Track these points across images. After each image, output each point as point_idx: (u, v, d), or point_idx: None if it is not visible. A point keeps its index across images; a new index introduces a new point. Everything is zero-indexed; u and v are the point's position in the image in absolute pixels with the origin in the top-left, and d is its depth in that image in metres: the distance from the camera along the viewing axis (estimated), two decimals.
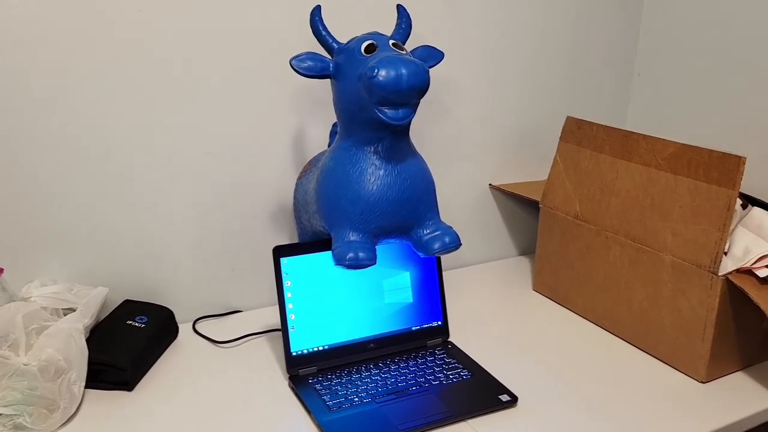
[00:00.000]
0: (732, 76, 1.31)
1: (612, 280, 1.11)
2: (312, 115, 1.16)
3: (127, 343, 0.96)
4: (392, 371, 0.98)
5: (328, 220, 0.93)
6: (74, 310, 0.96)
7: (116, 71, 1.00)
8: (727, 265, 0.95)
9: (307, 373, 0.97)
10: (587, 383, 0.98)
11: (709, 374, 0.99)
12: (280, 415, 0.89)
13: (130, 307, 1.05)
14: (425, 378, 0.97)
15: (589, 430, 0.87)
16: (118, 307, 1.06)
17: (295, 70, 0.87)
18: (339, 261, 0.88)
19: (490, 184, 1.41)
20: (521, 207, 1.46)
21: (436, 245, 0.92)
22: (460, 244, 0.93)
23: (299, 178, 1.10)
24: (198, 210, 1.12)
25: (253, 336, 1.09)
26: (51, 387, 0.84)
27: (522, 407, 0.92)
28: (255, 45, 1.08)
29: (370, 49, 0.85)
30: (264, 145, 1.14)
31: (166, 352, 1.04)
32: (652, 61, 1.47)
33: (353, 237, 0.90)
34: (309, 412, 0.89)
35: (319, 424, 0.86)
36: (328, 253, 0.99)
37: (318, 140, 1.18)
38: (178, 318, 1.08)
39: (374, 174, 0.89)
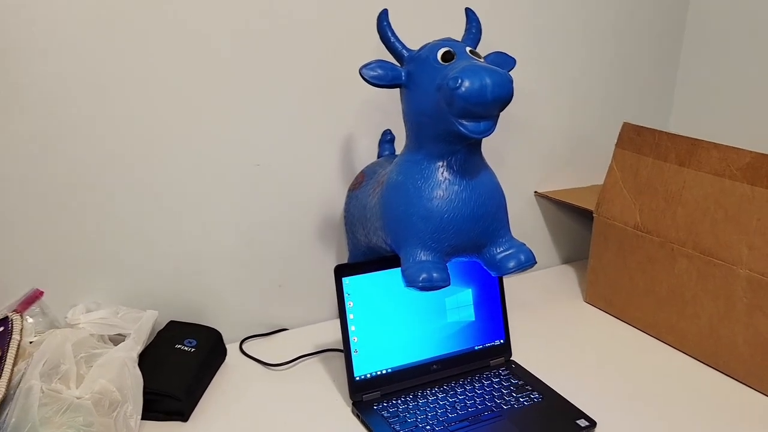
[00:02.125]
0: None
1: (677, 294, 1.06)
2: (359, 124, 1.11)
3: (179, 370, 0.91)
4: (459, 394, 0.93)
5: (395, 238, 0.87)
6: (121, 335, 0.90)
7: (162, 84, 0.94)
8: None
9: (371, 398, 0.92)
10: (661, 403, 0.94)
11: None
12: None
13: (176, 330, 0.99)
14: (494, 402, 0.92)
15: None
16: (163, 329, 1.00)
17: (364, 79, 0.82)
18: (411, 282, 0.83)
19: (535, 192, 1.36)
20: (566, 214, 1.42)
21: (511, 264, 0.87)
22: (536, 262, 0.88)
23: (352, 190, 1.05)
24: (243, 225, 1.06)
25: (306, 357, 1.04)
26: (107, 422, 0.79)
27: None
28: (303, 54, 1.03)
29: (447, 57, 0.80)
30: (310, 156, 1.08)
31: (215, 377, 0.98)
32: (695, 66, 1.43)
33: (424, 256, 0.85)
34: None
35: None
36: (391, 272, 0.94)
37: (366, 150, 1.13)
38: (224, 338, 1.03)
39: (448, 189, 0.83)
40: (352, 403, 0.91)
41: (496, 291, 1.02)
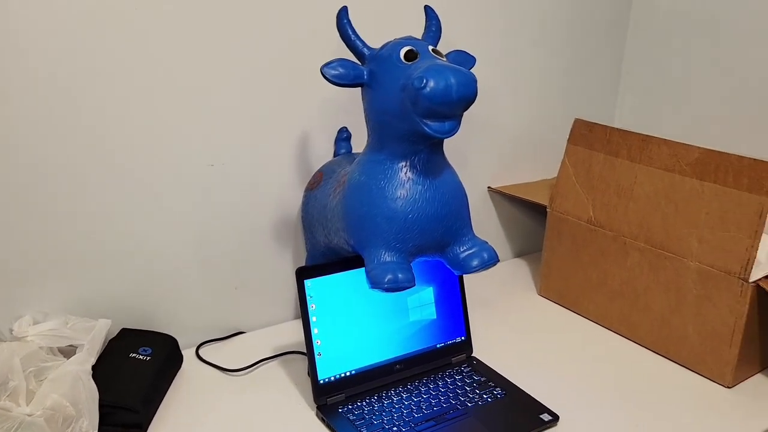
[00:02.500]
0: (716, 75, 1.32)
1: (629, 286, 1.09)
2: (314, 122, 1.09)
3: (135, 380, 0.87)
4: (423, 393, 0.93)
5: (358, 239, 0.86)
6: (73, 346, 0.86)
7: (110, 83, 0.90)
8: (755, 272, 0.94)
9: (336, 401, 0.91)
10: (617, 392, 0.97)
11: (734, 379, 0.99)
12: None
13: (129, 338, 0.95)
14: (459, 400, 0.92)
15: None
16: (115, 338, 0.96)
17: (326, 78, 0.80)
18: (376, 284, 0.82)
19: (488, 187, 1.37)
20: (518, 209, 1.44)
21: (475, 262, 0.87)
22: (498, 260, 0.88)
23: (309, 190, 1.03)
24: (197, 226, 1.03)
25: (266, 361, 1.02)
26: None
27: (562, 426, 0.89)
28: (258, 51, 1.00)
29: (410, 56, 0.79)
30: (266, 155, 1.06)
31: (172, 385, 0.95)
32: (638, 61, 1.47)
33: (388, 257, 0.84)
34: None
35: None
36: (353, 273, 0.93)
37: (322, 148, 1.11)
38: (179, 344, 0.99)
39: (412, 189, 0.83)
40: (317, 407, 0.90)
41: (456, 288, 1.02)
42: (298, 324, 1.12)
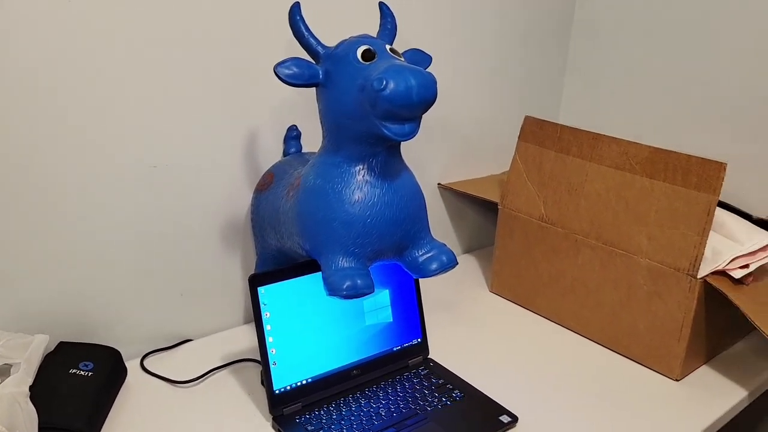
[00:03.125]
0: (658, 71, 1.35)
1: (581, 283, 1.10)
2: (262, 120, 1.05)
3: (77, 399, 0.82)
4: (381, 399, 0.92)
5: (314, 244, 0.83)
6: (8, 365, 0.80)
7: (47, 79, 0.83)
8: (703, 268, 0.97)
9: (292, 411, 0.88)
10: (571, 388, 0.97)
11: (682, 372, 1.01)
12: None
13: (68, 352, 0.90)
14: (418, 404, 0.91)
15: None
16: (53, 352, 0.90)
17: (279, 78, 0.76)
18: (334, 291, 0.80)
19: (438, 184, 1.36)
20: (467, 205, 1.43)
21: (434, 266, 0.86)
22: (457, 263, 0.87)
23: (260, 191, 0.99)
24: (139, 231, 0.97)
25: (217, 370, 0.98)
26: None
27: (521, 426, 0.89)
28: (203, 48, 0.95)
29: (367, 55, 0.76)
30: (211, 155, 1.01)
31: (116, 400, 0.90)
32: (583, 58, 1.49)
33: (346, 263, 0.82)
34: None
35: None
36: (307, 278, 0.90)
37: (270, 147, 1.07)
38: (123, 355, 0.94)
39: (370, 192, 0.80)
40: (273, 418, 0.87)
41: (411, 290, 1.00)
42: (248, 329, 1.09)
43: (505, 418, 0.89)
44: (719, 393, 0.98)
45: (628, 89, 1.42)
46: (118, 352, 0.93)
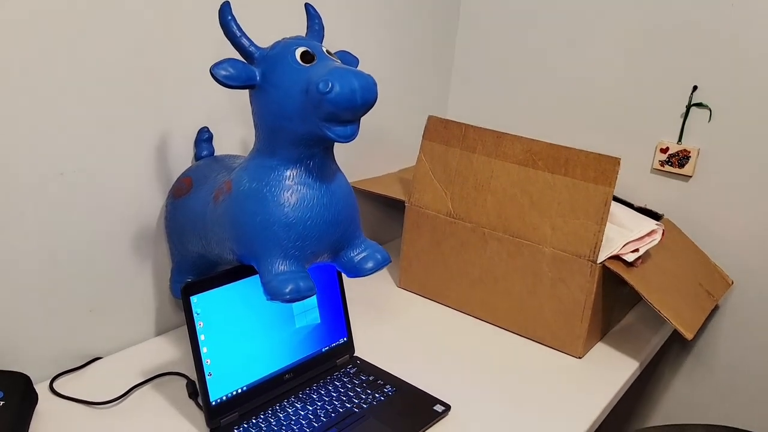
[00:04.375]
0: (535, 74, 1.46)
1: (489, 273, 1.17)
2: (170, 123, 1.00)
3: None
4: (317, 401, 0.92)
5: (251, 249, 0.82)
6: None
7: None
8: (601, 254, 1.06)
9: (229, 421, 0.86)
10: (488, 374, 1.03)
11: (584, 350, 1.11)
12: None
13: None
14: (354, 402, 0.92)
15: (511, 419, 0.92)
16: None
17: (216, 79, 0.74)
18: (276, 295, 0.79)
19: None
20: (365, 202, 1.46)
21: (369, 264, 0.87)
22: (390, 260, 0.89)
23: (177, 198, 0.95)
24: (43, 244, 0.89)
25: (138, 387, 0.93)
26: None
27: (454, 413, 0.93)
28: (105, 50, 0.89)
29: (306, 57, 0.76)
30: (119, 161, 0.95)
31: (31, 429, 0.83)
32: (468, 57, 1.56)
33: (284, 266, 0.81)
34: None
35: None
36: (239, 284, 0.87)
37: (180, 151, 1.03)
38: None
39: (309, 195, 0.80)
40: (210, 430, 0.84)
41: (336, 289, 1.01)
42: (161, 341, 1.04)
43: (438, 408, 0.92)
44: (617, 365, 1.09)
45: (513, 87, 1.52)
46: (27, 376, 0.85)
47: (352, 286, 1.29)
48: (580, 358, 1.10)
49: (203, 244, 0.90)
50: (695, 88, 1.27)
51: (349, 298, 1.24)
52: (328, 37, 1.23)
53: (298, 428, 0.86)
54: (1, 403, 0.79)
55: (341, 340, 1.02)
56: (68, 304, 0.94)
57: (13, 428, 0.77)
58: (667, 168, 1.33)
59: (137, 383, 0.93)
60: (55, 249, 0.91)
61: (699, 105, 1.27)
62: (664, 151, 1.33)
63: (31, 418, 0.84)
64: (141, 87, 0.94)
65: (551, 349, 1.12)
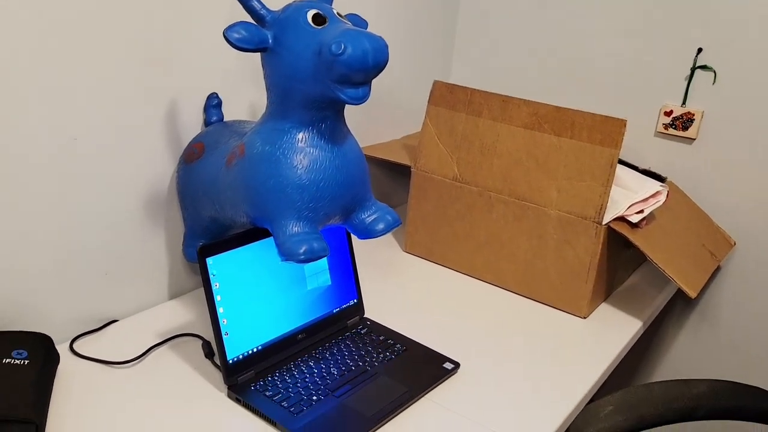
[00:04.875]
0: (539, 38, 1.46)
1: (495, 237, 1.18)
2: (179, 90, 1.01)
3: (19, 388, 0.77)
4: (330, 360, 0.94)
5: (265, 212, 0.83)
6: None
7: None
8: (606, 215, 1.08)
9: (246, 379, 0.88)
10: (495, 334, 1.05)
11: (589, 310, 1.13)
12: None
13: None
14: (365, 360, 0.95)
15: (518, 376, 0.95)
16: None
17: (229, 42, 0.75)
18: (291, 256, 0.81)
19: None
20: (371, 168, 1.47)
21: (380, 226, 0.89)
22: (401, 222, 0.91)
23: (188, 162, 0.97)
24: (60, 209, 0.91)
25: (155, 347, 0.95)
26: None
27: (463, 370, 0.96)
28: (116, 16, 0.90)
29: (318, 20, 0.77)
30: (131, 126, 0.96)
31: (54, 387, 0.85)
32: (470, 26, 1.56)
33: (298, 228, 0.83)
34: (270, 422, 0.82)
35: None
36: (253, 246, 0.89)
37: (188, 118, 1.04)
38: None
39: (321, 157, 0.82)
40: (228, 388, 0.87)
41: (346, 252, 1.03)
42: (175, 305, 1.07)
43: (448, 365, 0.95)
44: (621, 325, 1.11)
45: (514, 51, 1.52)
46: (49, 337, 0.87)
47: (358, 251, 1.31)
48: (584, 318, 1.13)
49: (216, 208, 0.92)
50: (700, 50, 1.28)
51: (358, 262, 1.26)
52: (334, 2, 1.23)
53: (312, 385, 0.88)
54: (27, 361, 0.81)
55: (351, 302, 1.04)
56: (84, 268, 0.96)
57: (39, 385, 0.80)
58: (671, 131, 1.34)
59: (154, 344, 0.95)
60: (70, 212, 0.92)
61: (704, 67, 1.28)
62: (668, 114, 1.34)
63: (54, 376, 0.86)
64: (151, 52, 0.95)
65: (556, 310, 1.15)
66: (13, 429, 0.73)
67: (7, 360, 0.80)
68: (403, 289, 1.17)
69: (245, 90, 1.11)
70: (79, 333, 0.97)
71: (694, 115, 1.30)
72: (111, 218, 0.97)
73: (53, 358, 0.87)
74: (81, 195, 0.93)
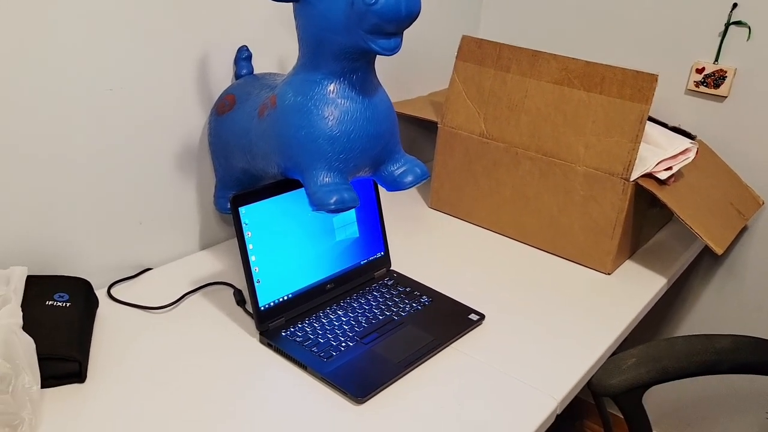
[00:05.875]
0: None
1: (520, 193, 1.19)
2: (210, 43, 1.02)
3: (62, 328, 0.80)
4: (357, 309, 0.96)
5: (296, 162, 0.85)
6: None
7: None
8: (634, 172, 1.08)
9: (277, 325, 0.91)
10: (519, 289, 1.07)
11: (614, 266, 1.14)
12: (270, 376, 0.83)
13: (39, 285, 0.86)
14: (392, 310, 0.97)
15: (542, 329, 0.96)
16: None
17: None
18: (321, 206, 0.82)
19: None
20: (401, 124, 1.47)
21: (409, 178, 0.90)
22: (430, 175, 0.92)
23: (219, 114, 0.98)
24: (96, 159, 0.93)
25: (189, 294, 0.98)
26: (4, 399, 0.68)
27: (488, 322, 0.98)
28: None
29: None
30: (163, 78, 0.98)
31: (95, 330, 0.89)
32: None
33: (329, 178, 0.84)
34: (302, 366, 0.85)
35: (322, 377, 0.82)
36: (284, 197, 0.91)
37: (218, 70, 1.05)
38: None
39: (352, 108, 0.82)
40: (260, 334, 0.89)
41: (373, 205, 1.05)
42: (206, 255, 1.09)
43: (473, 317, 0.97)
44: (645, 281, 1.12)
45: (543, 5, 1.50)
46: (89, 282, 0.91)
47: (384, 207, 1.32)
48: (609, 274, 1.14)
49: (248, 159, 0.93)
50: (735, 5, 1.25)
51: (385, 218, 1.27)
52: None
53: (341, 333, 0.91)
54: (68, 304, 0.84)
55: (378, 254, 1.06)
56: (119, 216, 0.99)
57: (80, 325, 0.83)
58: (702, 89, 1.32)
59: (187, 291, 0.98)
60: (105, 164, 0.95)
61: (738, 23, 1.26)
62: (699, 71, 1.32)
63: (94, 319, 0.90)
64: (183, 5, 0.96)
65: (580, 266, 1.16)
66: (57, 366, 0.77)
67: (50, 302, 0.83)
68: (428, 244, 1.19)
69: (275, 43, 1.12)
70: (116, 280, 1.00)
71: (726, 72, 1.29)
72: (145, 170, 0.99)
73: (93, 302, 0.90)
74: (115, 146, 0.95)
